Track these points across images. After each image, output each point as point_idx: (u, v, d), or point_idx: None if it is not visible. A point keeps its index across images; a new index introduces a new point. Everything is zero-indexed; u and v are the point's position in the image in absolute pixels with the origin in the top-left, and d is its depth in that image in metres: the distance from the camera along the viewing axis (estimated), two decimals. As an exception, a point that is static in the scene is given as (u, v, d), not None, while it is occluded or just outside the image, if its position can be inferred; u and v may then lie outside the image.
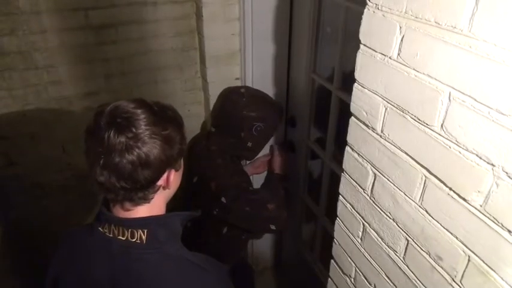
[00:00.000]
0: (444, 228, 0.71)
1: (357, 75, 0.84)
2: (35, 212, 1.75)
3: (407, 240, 0.81)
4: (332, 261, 1.13)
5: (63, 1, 1.42)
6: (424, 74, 0.68)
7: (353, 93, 0.86)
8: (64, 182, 1.77)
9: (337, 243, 1.08)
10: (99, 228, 0.82)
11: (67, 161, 1.73)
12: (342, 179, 0.98)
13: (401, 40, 0.70)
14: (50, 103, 1.58)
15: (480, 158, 0.61)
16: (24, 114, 1.56)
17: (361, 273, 1.00)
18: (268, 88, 1.77)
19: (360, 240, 0.97)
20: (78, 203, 1.83)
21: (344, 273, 1.08)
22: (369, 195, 0.89)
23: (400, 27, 0.70)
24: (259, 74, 1.72)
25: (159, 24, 1.59)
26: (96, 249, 0.83)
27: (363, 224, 0.95)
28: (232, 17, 1.60)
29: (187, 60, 1.72)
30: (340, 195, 1.01)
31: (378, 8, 0.74)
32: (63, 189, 1.78)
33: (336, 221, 1.05)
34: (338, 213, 1.04)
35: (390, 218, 0.84)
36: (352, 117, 0.89)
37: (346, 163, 0.95)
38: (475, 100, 0.60)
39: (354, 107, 0.88)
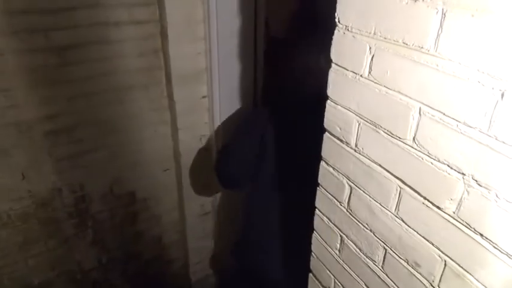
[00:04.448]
0: (420, 235, 0.75)
1: (329, 92, 0.87)
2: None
3: (385, 249, 0.84)
4: (310, 274, 1.14)
5: (19, 22, 1.37)
6: (394, 90, 0.72)
7: (326, 109, 0.90)
8: (24, 210, 1.68)
9: (314, 256, 1.10)
10: None
11: (27, 188, 1.64)
12: (318, 193, 1.01)
13: (372, 59, 0.75)
14: (8, 128, 1.51)
15: (451, 168, 0.66)
16: (-21, 142, 1.48)
17: (340, 285, 1.02)
18: (235, 106, 1.78)
19: (338, 252, 1.00)
20: (39, 231, 1.75)
21: (323, 286, 1.10)
22: (346, 207, 0.92)
23: (370, 47, 0.74)
24: (226, 91, 1.73)
25: (123, 45, 1.57)
26: None
27: (340, 236, 0.97)
28: (198, 37, 1.61)
29: (153, 80, 1.70)
30: (316, 209, 1.03)
31: (348, 30, 0.78)
32: (23, 217, 1.69)
33: (313, 235, 1.07)
34: (315, 227, 1.06)
35: (367, 228, 0.87)
36: (326, 132, 0.92)
37: (322, 177, 0.98)
38: (444, 114, 0.64)
39: (327, 123, 0.91)
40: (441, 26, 0.61)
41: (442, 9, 0.60)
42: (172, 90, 1.68)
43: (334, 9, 0.79)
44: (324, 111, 0.90)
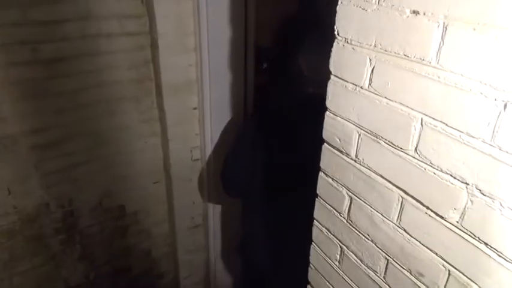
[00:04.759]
0: (423, 245, 0.75)
1: (328, 103, 0.88)
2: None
3: (387, 260, 0.84)
4: (308, 286, 1.13)
5: (8, 34, 1.34)
6: (396, 102, 0.73)
7: (325, 120, 0.90)
8: (9, 227, 1.63)
9: (313, 267, 1.09)
10: None
11: (13, 204, 1.59)
12: (317, 204, 1.01)
13: (372, 71, 0.75)
14: (-7, 142, 1.47)
15: (454, 177, 0.66)
16: (-37, 156, 1.43)
17: (340, 296, 1.02)
18: (226, 117, 1.78)
19: (337, 264, 1.00)
20: (24, 247, 1.69)
21: (322, 297, 1.09)
22: (346, 218, 0.92)
23: (370, 60, 0.75)
24: (217, 102, 1.73)
25: (114, 56, 1.55)
26: None
27: (340, 247, 0.97)
28: (189, 48, 1.60)
29: (143, 91, 1.69)
30: (315, 220, 1.03)
31: (348, 42, 0.78)
32: (8, 234, 1.64)
33: (312, 246, 1.07)
34: (313, 238, 1.06)
35: (369, 239, 0.88)
36: (325, 143, 0.92)
37: (321, 188, 0.98)
38: (446, 125, 0.65)
39: (326, 134, 0.91)
40: (442, 39, 0.62)
41: (443, 23, 0.61)
42: (162, 101, 1.67)
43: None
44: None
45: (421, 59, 0.66)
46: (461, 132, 0.63)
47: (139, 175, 1.87)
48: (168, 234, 2.10)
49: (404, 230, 0.78)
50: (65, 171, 1.65)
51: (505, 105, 0.57)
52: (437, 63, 0.64)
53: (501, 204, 0.61)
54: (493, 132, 0.59)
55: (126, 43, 1.55)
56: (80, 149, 1.64)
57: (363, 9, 0.73)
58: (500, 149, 0.59)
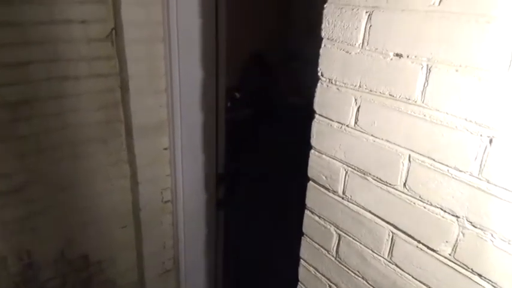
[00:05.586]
0: (416, 279, 0.76)
1: (313, 142, 0.89)
2: None
3: (380, 296, 0.84)
4: (295, 329, 1.10)
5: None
6: (382, 139, 0.75)
7: (310, 158, 0.91)
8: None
9: (300, 309, 1.06)
10: None
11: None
12: (303, 242, 1.00)
13: (358, 110, 0.78)
14: None
15: (445, 211, 0.69)
16: None
17: (330, 338, 0.99)
18: (197, 156, 1.76)
19: (327, 303, 0.98)
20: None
21: None
22: (335, 256, 0.92)
23: (356, 99, 0.78)
24: (188, 143, 1.71)
25: (82, 98, 1.50)
26: None
27: (329, 285, 0.96)
28: (160, 89, 1.59)
29: (112, 133, 1.64)
30: (301, 260, 1.02)
31: (332, 83, 0.81)
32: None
33: (298, 286, 1.05)
34: (300, 279, 1.04)
35: (359, 276, 0.87)
36: (311, 181, 0.93)
37: (307, 226, 0.97)
38: (434, 160, 0.68)
39: (311, 172, 0.92)
40: (427, 79, 0.66)
41: (427, 65, 0.65)
42: (132, 142, 1.62)
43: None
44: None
45: (406, 98, 0.70)
46: (449, 167, 0.66)
47: (105, 220, 1.77)
48: (136, 283, 1.98)
49: (396, 265, 0.79)
50: (24, 220, 1.53)
51: (491, 141, 0.60)
52: (423, 102, 0.68)
53: (492, 235, 0.63)
54: (481, 166, 0.62)
55: (94, 85, 1.51)
56: (41, 195, 1.54)
57: (347, 52, 0.77)
58: (488, 182, 0.62)
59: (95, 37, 1.46)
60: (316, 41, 0.82)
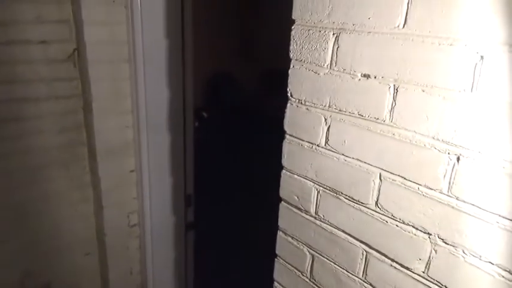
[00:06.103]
0: (391, 298, 0.76)
1: (284, 162, 0.89)
2: None
3: (356, 317, 0.83)
4: None
5: None
6: (353, 158, 0.76)
7: (281, 179, 0.90)
8: None
9: (275, 333, 1.04)
10: None
11: None
12: (276, 265, 0.98)
13: (328, 130, 0.78)
14: None
15: (417, 229, 0.69)
16: None
17: None
18: (165, 178, 1.71)
19: (302, 326, 0.96)
20: None
21: None
22: (309, 277, 0.91)
23: (325, 119, 0.78)
24: (156, 164, 1.66)
25: (41, 121, 1.44)
26: None
27: (304, 308, 0.94)
28: (125, 110, 1.55)
29: (74, 156, 1.57)
30: (275, 282, 1.00)
31: (301, 103, 0.82)
32: None
33: (273, 310, 1.03)
34: (275, 301, 1.02)
35: (334, 297, 0.86)
36: (282, 201, 0.92)
37: (280, 248, 0.96)
38: (404, 178, 0.69)
39: (283, 192, 0.91)
40: (394, 99, 0.67)
41: (394, 85, 0.67)
42: (97, 165, 1.56)
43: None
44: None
45: (375, 118, 0.70)
46: (420, 184, 0.67)
47: (68, 247, 1.68)
48: (101, 313, 1.88)
49: (371, 285, 0.79)
50: (-22, 251, 1.43)
51: (458, 158, 0.62)
52: (391, 121, 0.69)
53: (464, 252, 0.64)
54: (450, 183, 0.63)
55: (55, 106, 1.46)
56: (-2, 224, 1.45)
57: (315, 72, 0.77)
58: (457, 199, 0.63)
59: (55, 58, 1.41)
60: (286, 61, 0.82)
